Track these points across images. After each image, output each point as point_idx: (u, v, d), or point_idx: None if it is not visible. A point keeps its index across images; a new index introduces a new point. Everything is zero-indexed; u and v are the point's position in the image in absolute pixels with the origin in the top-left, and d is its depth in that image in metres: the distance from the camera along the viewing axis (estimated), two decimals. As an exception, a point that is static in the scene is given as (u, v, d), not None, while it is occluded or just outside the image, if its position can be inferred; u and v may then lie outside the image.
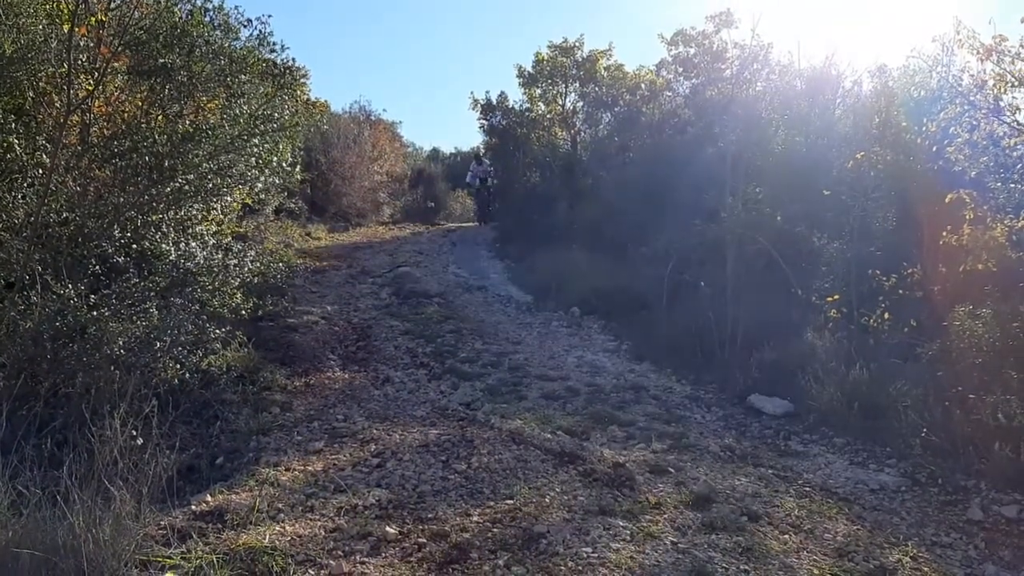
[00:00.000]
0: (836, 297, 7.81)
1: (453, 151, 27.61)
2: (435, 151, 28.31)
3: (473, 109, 19.65)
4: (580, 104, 18.77)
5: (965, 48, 6.83)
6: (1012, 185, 6.84)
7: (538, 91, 18.87)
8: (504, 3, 71.08)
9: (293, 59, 7.70)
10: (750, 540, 4.42)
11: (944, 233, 7.01)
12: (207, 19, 6.83)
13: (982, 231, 6.82)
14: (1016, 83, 6.55)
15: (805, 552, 4.40)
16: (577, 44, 18.32)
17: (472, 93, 21.87)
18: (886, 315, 7.24)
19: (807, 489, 5.50)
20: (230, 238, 7.76)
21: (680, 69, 16.60)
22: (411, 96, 61.88)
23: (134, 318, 5.85)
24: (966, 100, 7.04)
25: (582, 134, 18.88)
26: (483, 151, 21.36)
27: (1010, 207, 6.84)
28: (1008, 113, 6.67)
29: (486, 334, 9.96)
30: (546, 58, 18.44)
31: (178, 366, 6.02)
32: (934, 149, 7.76)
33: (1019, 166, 6.86)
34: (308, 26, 61.44)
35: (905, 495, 5.60)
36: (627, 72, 18.38)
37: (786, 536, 4.59)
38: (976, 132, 6.84)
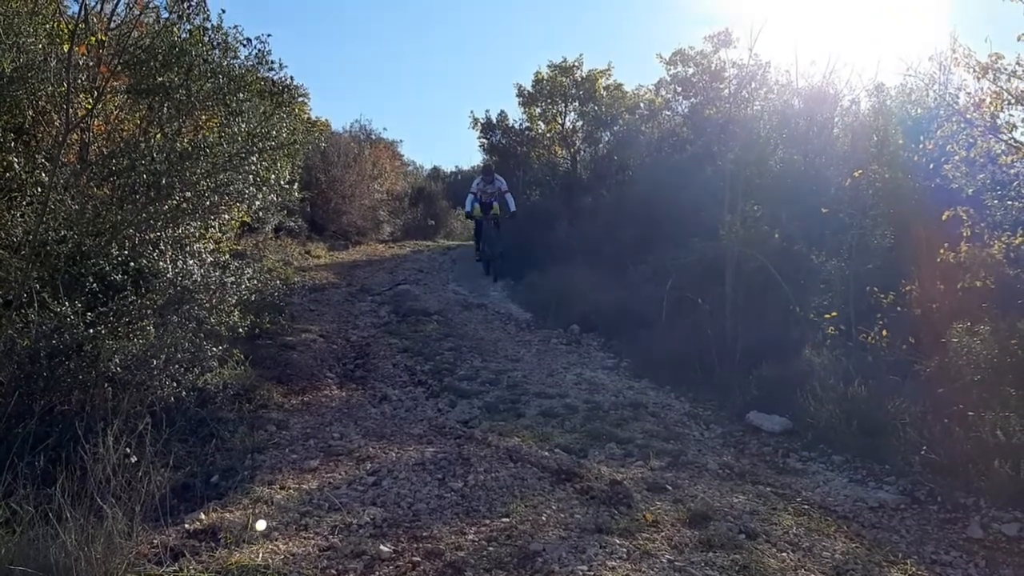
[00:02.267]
0: (834, 314, 7.82)
1: (454, 169, 27.69)
2: (436, 169, 28.37)
3: (473, 128, 19.78)
4: (580, 123, 18.86)
5: (962, 66, 6.88)
6: (1009, 202, 6.86)
7: (538, 110, 18.98)
8: (505, 23, 71.54)
9: (291, 77, 7.76)
10: (747, 558, 4.38)
11: (942, 250, 7.03)
12: (206, 39, 6.86)
13: (980, 248, 6.84)
14: (1013, 101, 6.58)
15: (803, 570, 4.37)
16: (576, 64, 18.44)
17: (472, 112, 22.00)
18: (884, 332, 7.25)
19: (805, 507, 5.46)
20: (227, 256, 7.76)
21: (679, 89, 16.69)
22: (412, 115, 62.08)
23: (131, 336, 5.85)
24: (963, 118, 7.07)
25: (582, 153, 18.96)
26: (494, 166, 16.05)
27: (1007, 224, 6.85)
28: (1005, 131, 6.69)
29: (485, 352, 9.93)
30: (546, 77, 18.54)
31: (174, 384, 6.02)
32: (931, 167, 7.81)
33: (1016, 183, 6.87)
34: (310, 46, 61.76)
35: (904, 513, 5.57)
36: (626, 91, 18.51)
37: (784, 554, 4.56)
38: (973, 150, 6.88)
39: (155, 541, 4.16)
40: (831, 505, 5.61)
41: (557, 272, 13.16)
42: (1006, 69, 6.50)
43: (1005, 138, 6.65)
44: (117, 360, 5.61)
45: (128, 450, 4.22)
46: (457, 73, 69.94)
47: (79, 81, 6.49)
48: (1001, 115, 6.65)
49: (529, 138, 19.14)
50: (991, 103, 6.61)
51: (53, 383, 5.44)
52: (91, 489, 3.95)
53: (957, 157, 6.96)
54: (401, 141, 28.00)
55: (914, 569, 4.59)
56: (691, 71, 16.04)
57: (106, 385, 5.38)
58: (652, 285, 10.92)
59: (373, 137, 22.40)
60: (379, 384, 8.41)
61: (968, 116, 6.98)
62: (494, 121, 19.53)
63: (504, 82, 56.62)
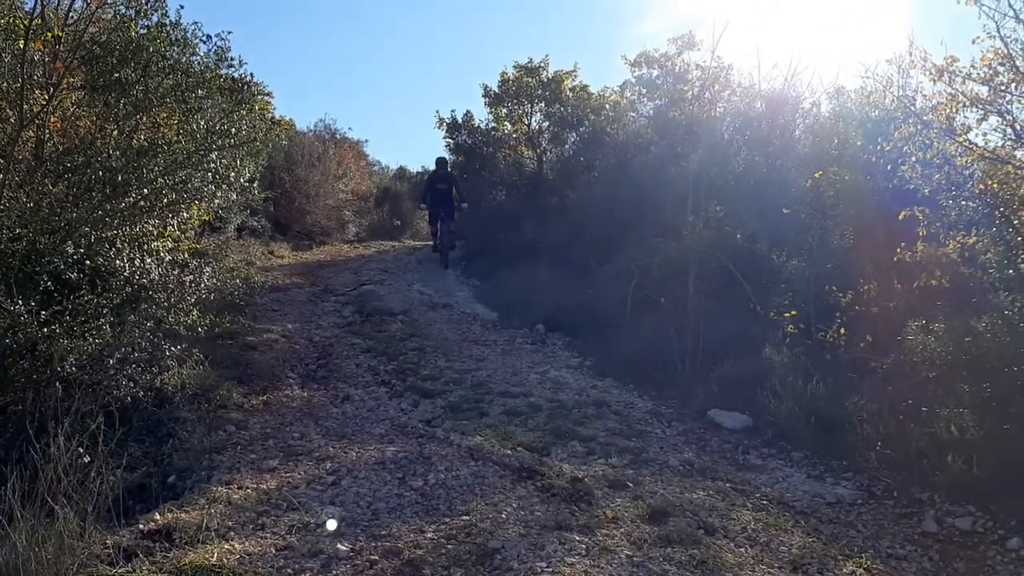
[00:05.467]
0: (794, 313, 7.90)
1: (420, 169, 27.57)
2: (402, 169, 28.21)
3: (439, 128, 19.65)
4: (546, 124, 18.81)
5: (918, 69, 6.97)
6: (964, 202, 6.96)
7: (504, 110, 18.91)
8: (471, 24, 71.49)
9: (251, 74, 7.69)
10: (705, 553, 4.41)
11: (899, 250, 7.13)
12: (164, 35, 6.76)
13: (935, 247, 6.95)
14: (968, 103, 6.68)
15: (760, 565, 4.41)
16: (542, 65, 18.40)
17: (438, 112, 21.89)
18: (842, 331, 7.33)
19: (764, 502, 5.52)
20: (187, 255, 7.66)
21: (643, 90, 16.76)
22: (378, 115, 61.82)
23: (87, 335, 5.76)
24: (920, 120, 7.16)
25: (548, 153, 18.92)
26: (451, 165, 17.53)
27: (962, 224, 6.95)
28: (960, 132, 6.79)
29: (450, 351, 9.90)
30: (512, 78, 18.49)
31: (131, 384, 5.93)
32: (889, 168, 7.90)
33: (970, 184, 6.98)
34: (275, 46, 61.31)
35: (861, 508, 5.65)
36: (592, 93, 18.49)
37: (741, 549, 4.59)
38: (929, 151, 6.97)
39: (108, 542, 4.09)
40: (789, 501, 5.67)
41: (523, 272, 13.18)
42: (960, 72, 6.59)
43: (960, 139, 6.75)
44: (72, 359, 5.52)
45: (81, 450, 4.16)
46: (423, 73, 69.89)
47: (34, 77, 6.38)
48: (957, 117, 6.74)
49: (495, 138, 19.06)
50: (947, 105, 6.70)
51: (6, 383, 5.35)
52: (41, 489, 3.88)
53: (914, 158, 7.06)
54: (366, 141, 27.87)
55: (869, 563, 4.65)
56: (656, 73, 16.13)
57: (58, 384, 5.28)
58: (617, 285, 10.95)
59: (338, 136, 22.24)
60: (341, 384, 8.35)
61: (925, 118, 7.08)
62: (460, 121, 19.43)
63: (470, 82, 56.69)
